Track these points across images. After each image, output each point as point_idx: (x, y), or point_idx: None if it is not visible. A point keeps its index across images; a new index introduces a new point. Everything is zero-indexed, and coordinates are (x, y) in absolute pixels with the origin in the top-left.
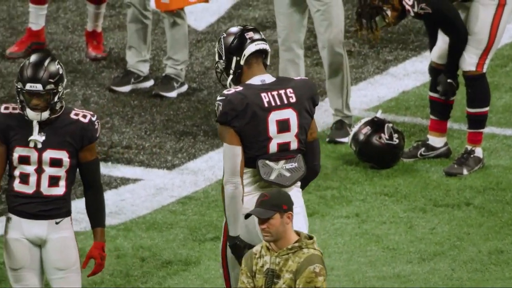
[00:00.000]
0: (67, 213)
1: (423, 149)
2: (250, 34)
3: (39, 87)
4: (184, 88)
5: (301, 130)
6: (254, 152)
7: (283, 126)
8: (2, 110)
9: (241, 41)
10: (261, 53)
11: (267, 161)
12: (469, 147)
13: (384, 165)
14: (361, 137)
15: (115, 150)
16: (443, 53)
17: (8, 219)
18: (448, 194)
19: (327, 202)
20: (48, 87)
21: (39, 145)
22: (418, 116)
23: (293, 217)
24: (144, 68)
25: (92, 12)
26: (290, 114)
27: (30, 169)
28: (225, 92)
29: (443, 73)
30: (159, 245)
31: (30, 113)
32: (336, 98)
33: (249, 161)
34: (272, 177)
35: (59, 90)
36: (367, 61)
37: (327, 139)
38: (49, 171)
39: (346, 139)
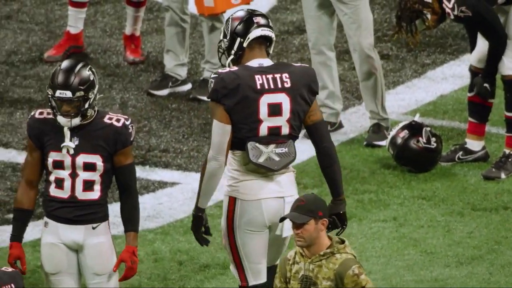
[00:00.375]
0: (104, 217)
1: (461, 152)
2: (258, 19)
3: (68, 94)
4: None
5: (294, 116)
6: (244, 133)
7: (275, 109)
8: (37, 115)
9: (247, 24)
10: (266, 40)
11: (257, 144)
12: (507, 151)
13: (422, 169)
14: (399, 140)
15: (152, 153)
16: (483, 57)
17: (45, 224)
18: (486, 198)
19: (364, 206)
20: (78, 94)
21: (71, 151)
22: (456, 120)
23: (290, 204)
24: (182, 72)
25: (131, 15)
26: (283, 99)
27: (64, 173)
28: (219, 70)
29: (481, 76)
30: (197, 249)
31: (61, 120)
32: (370, 100)
33: (239, 143)
34: (261, 160)
35: (90, 96)
36: (405, 65)
37: (365, 143)
38: (83, 175)
39: (383, 142)
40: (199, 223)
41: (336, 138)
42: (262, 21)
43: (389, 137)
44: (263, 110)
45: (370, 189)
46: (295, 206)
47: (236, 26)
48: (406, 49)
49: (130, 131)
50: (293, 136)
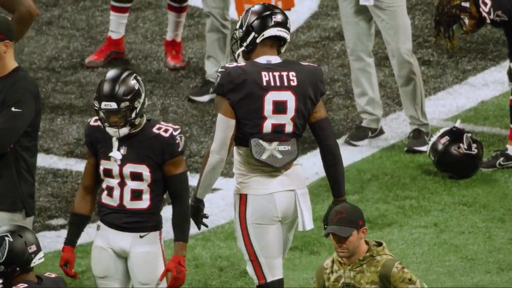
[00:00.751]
0: (154, 227)
1: (502, 159)
2: (276, 18)
3: (113, 105)
4: None
5: (298, 114)
6: (248, 129)
7: (279, 107)
8: (92, 123)
9: (265, 21)
10: (279, 40)
11: (260, 141)
12: None
13: (463, 175)
14: (440, 147)
15: (193, 159)
16: None
17: (98, 227)
18: None
19: (405, 212)
20: (123, 104)
21: (118, 162)
22: (497, 126)
23: (302, 196)
24: None
25: (172, 21)
26: (288, 97)
27: (113, 182)
28: (226, 65)
29: None
30: (237, 255)
31: (109, 131)
32: (410, 106)
33: (243, 139)
34: (264, 157)
35: (136, 106)
36: (446, 71)
37: (405, 148)
38: (131, 184)
39: (424, 148)
40: (197, 212)
41: (377, 144)
42: (280, 20)
43: (430, 143)
44: (268, 107)
45: (411, 195)
46: (336, 219)
47: (254, 20)
48: (447, 55)
49: (177, 141)
50: (296, 135)
